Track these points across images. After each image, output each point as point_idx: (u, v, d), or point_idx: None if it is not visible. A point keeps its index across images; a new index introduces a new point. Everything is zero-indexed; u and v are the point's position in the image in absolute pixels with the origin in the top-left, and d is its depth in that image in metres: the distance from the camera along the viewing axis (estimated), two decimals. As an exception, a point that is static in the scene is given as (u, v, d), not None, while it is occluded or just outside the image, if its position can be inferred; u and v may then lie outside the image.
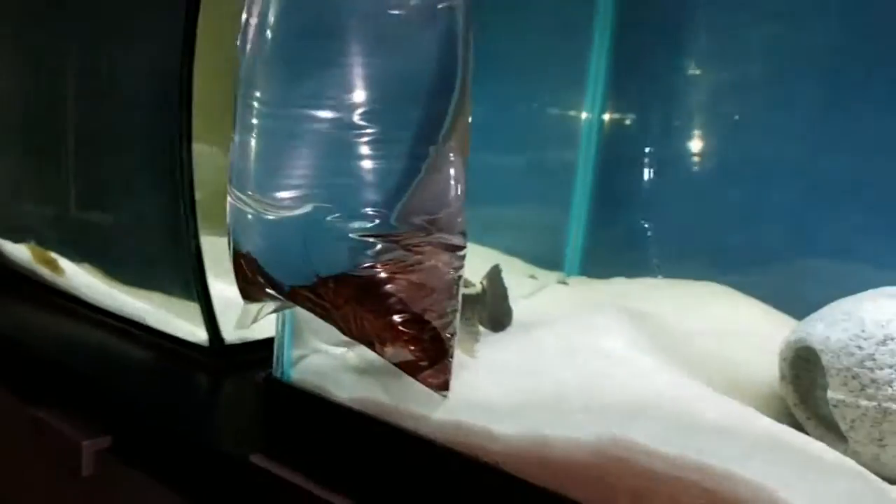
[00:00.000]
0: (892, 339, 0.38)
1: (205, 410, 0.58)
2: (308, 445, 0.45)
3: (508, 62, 0.72)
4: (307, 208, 0.37)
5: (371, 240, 0.36)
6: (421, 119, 0.36)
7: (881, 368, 0.37)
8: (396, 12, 0.36)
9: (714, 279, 0.62)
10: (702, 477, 0.31)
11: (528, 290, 0.62)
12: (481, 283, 0.49)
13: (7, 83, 0.83)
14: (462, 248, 0.37)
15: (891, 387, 0.37)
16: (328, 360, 0.46)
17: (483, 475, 0.37)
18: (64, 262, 0.77)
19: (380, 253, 0.36)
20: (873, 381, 0.37)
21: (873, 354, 0.38)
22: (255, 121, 0.39)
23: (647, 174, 0.69)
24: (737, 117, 0.67)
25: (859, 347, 0.38)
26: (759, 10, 0.65)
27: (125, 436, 0.57)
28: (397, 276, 0.36)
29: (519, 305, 0.54)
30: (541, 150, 0.75)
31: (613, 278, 0.66)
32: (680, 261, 0.66)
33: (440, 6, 0.36)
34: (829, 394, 0.39)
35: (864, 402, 0.38)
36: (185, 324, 0.65)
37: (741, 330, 0.50)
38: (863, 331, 0.38)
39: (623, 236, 0.70)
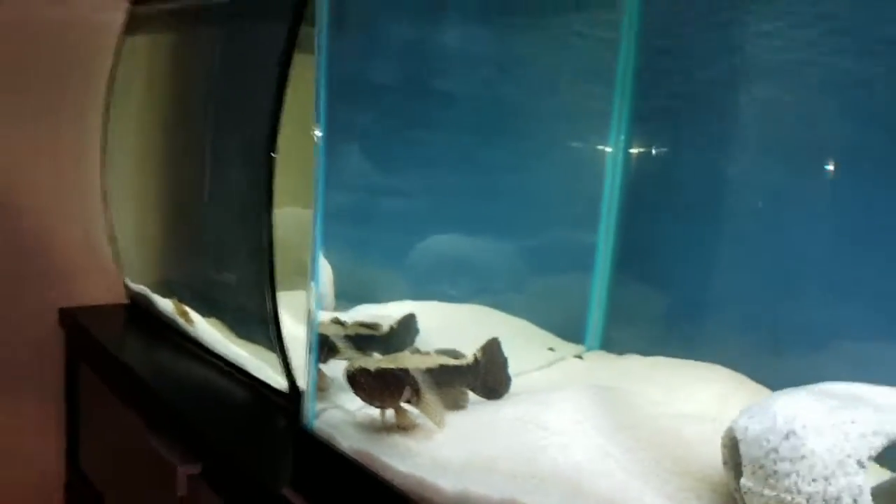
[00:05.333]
0: (794, 434, 0.41)
1: (270, 447, 0.69)
2: (321, 483, 0.55)
3: (530, 118, 0.79)
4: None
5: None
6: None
7: (783, 461, 0.41)
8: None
9: (731, 361, 0.64)
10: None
11: (544, 362, 0.68)
12: (475, 354, 0.57)
13: (155, 164, 1.02)
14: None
15: (788, 479, 0.40)
16: (341, 415, 0.56)
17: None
18: (194, 314, 0.93)
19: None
20: (775, 472, 0.41)
21: (777, 447, 0.41)
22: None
23: (669, 250, 0.72)
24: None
25: (767, 440, 0.42)
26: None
27: (212, 464, 0.70)
28: None
29: (529, 377, 0.61)
30: (561, 224, 0.80)
31: (627, 354, 0.70)
32: (697, 339, 0.68)
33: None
34: (742, 481, 0.43)
35: (767, 492, 0.41)
36: (272, 372, 0.78)
37: (720, 414, 0.53)
38: (773, 424, 0.42)
39: (643, 311, 0.74)
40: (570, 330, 0.76)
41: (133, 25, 1.01)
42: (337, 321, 0.62)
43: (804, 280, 0.66)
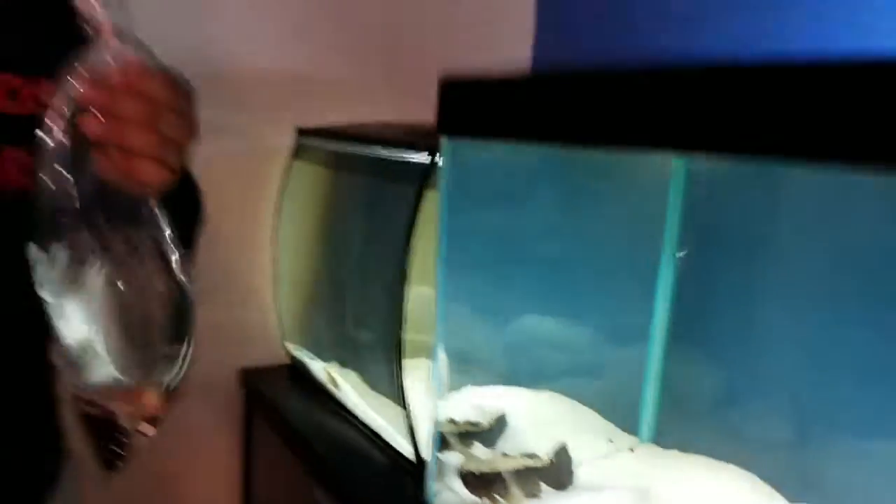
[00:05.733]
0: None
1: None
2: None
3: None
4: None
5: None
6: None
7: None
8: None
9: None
10: None
11: (601, 453, 0.89)
12: (550, 458, 0.80)
13: (313, 256, 1.30)
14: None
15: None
16: (455, 499, 0.80)
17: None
18: (340, 380, 1.20)
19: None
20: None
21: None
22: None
23: (723, 342, 0.91)
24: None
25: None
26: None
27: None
28: None
29: (591, 467, 0.83)
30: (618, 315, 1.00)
31: (671, 450, 0.90)
32: (741, 435, 0.86)
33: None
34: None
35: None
36: (403, 441, 1.03)
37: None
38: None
39: (693, 404, 0.93)
40: (628, 420, 0.97)
41: (299, 152, 1.30)
42: (451, 421, 0.87)
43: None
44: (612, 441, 0.91)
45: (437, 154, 0.91)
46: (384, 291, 1.03)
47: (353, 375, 1.20)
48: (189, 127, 0.63)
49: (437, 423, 0.83)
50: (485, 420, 0.87)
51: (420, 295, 0.99)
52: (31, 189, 0.61)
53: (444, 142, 0.80)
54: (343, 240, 1.26)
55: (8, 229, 0.63)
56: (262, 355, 1.35)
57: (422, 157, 0.97)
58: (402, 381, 0.97)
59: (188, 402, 0.77)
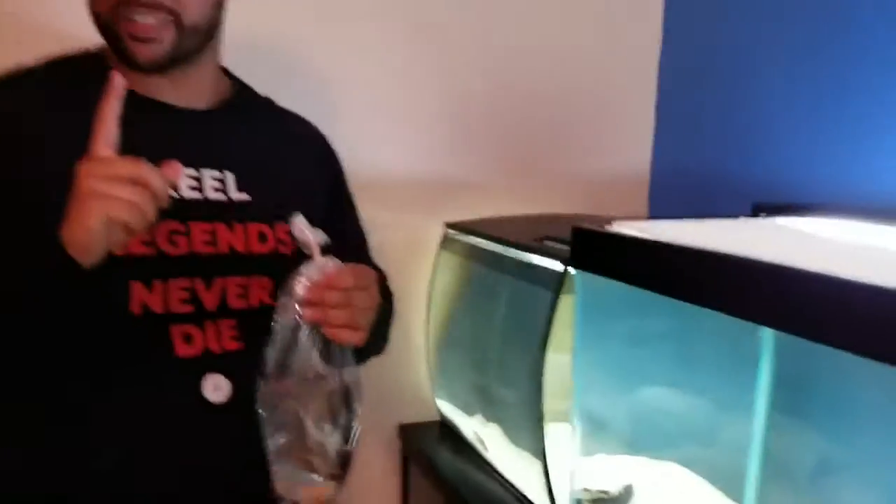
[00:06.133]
0: None
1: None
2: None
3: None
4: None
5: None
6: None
7: None
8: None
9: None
10: None
11: None
12: (668, 528, 0.97)
13: (464, 322, 1.53)
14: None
15: None
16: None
17: None
18: (487, 440, 1.42)
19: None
20: None
21: None
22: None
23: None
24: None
25: None
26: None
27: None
28: None
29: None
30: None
31: None
32: None
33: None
34: None
35: None
36: (543, 498, 1.23)
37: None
38: None
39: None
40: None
41: (447, 243, 1.53)
42: (586, 489, 1.06)
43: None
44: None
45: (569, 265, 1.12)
46: (526, 366, 1.24)
47: (498, 435, 1.41)
48: (373, 297, 0.92)
49: (572, 492, 1.03)
50: (613, 489, 1.06)
51: (557, 365, 1.20)
52: (272, 305, 0.89)
53: (577, 272, 1.00)
54: (487, 317, 1.48)
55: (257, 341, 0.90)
56: (417, 413, 1.60)
57: (557, 266, 1.18)
58: (543, 447, 1.18)
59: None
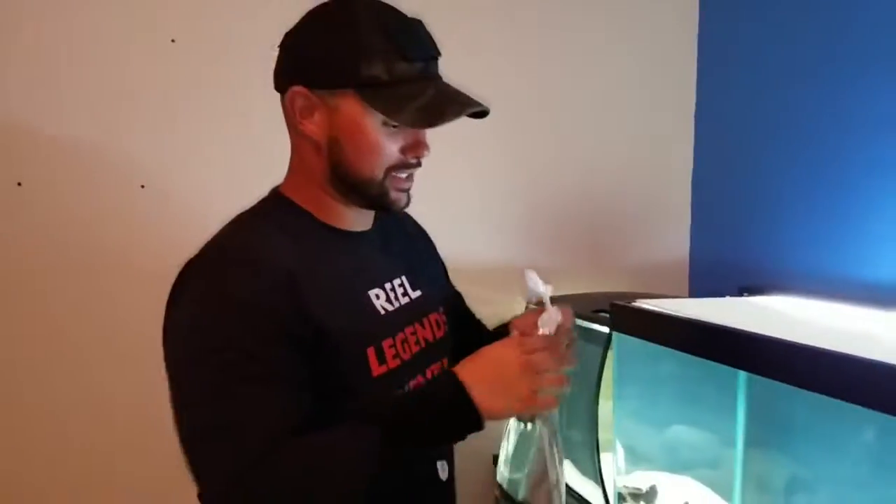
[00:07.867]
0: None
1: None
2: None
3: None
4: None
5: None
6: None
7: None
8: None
9: None
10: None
11: None
12: (681, 510, 1.40)
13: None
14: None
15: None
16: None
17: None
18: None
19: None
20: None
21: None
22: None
23: None
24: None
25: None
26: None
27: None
28: None
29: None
30: None
31: None
32: None
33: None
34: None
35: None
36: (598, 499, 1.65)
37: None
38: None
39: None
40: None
41: (526, 314, 2.02)
42: (625, 486, 1.49)
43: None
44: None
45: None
46: (584, 408, 1.70)
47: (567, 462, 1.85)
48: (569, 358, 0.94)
49: (616, 488, 1.47)
50: (643, 486, 1.49)
51: (609, 409, 1.64)
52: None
53: (615, 334, 1.47)
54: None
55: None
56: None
57: (605, 329, 1.65)
58: (599, 467, 1.63)
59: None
